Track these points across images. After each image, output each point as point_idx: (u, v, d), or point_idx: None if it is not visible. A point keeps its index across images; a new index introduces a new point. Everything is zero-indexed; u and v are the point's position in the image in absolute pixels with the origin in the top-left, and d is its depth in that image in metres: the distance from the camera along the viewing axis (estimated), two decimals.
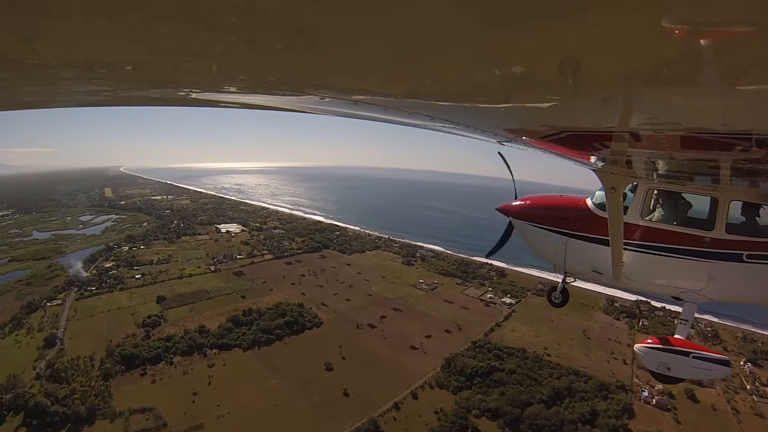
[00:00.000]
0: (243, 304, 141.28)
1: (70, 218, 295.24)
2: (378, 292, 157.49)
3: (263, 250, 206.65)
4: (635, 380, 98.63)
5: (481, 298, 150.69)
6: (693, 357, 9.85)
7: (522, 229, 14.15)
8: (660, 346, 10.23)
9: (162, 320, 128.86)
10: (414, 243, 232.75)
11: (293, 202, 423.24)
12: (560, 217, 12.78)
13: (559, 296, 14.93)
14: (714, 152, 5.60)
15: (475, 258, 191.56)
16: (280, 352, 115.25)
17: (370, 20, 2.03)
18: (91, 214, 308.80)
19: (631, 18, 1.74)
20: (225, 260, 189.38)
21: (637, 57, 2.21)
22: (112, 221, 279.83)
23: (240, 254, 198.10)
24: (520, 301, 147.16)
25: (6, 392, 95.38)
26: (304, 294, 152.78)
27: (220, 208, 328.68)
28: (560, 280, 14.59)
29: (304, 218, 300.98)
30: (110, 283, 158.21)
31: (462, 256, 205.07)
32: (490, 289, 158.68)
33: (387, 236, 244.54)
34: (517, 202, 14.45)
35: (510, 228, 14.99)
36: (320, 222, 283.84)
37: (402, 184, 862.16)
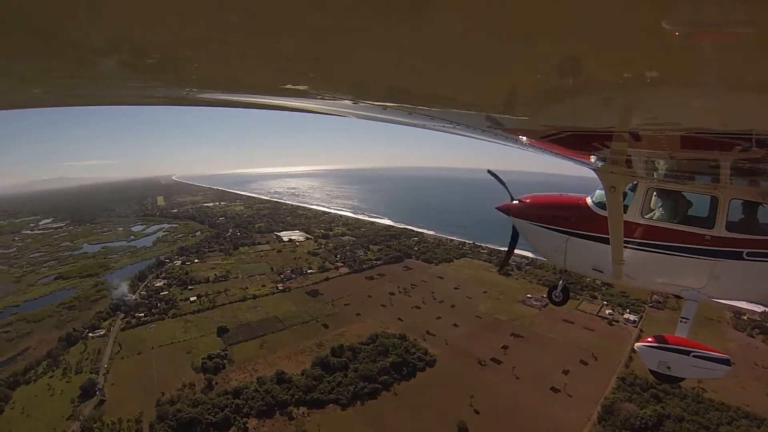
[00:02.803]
0: (327, 336, 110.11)
1: (121, 229, 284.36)
2: (486, 313, 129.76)
3: (336, 261, 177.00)
4: None
5: (600, 315, 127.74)
6: (693, 356, 9.78)
7: (523, 228, 13.96)
8: (660, 344, 10.14)
9: (226, 361, 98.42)
10: (502, 249, 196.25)
11: (353, 206, 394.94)
12: (561, 216, 12.58)
13: (560, 294, 14.87)
14: (714, 152, 5.54)
15: None
16: (392, 408, 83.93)
17: (370, 25, 2.02)
18: (142, 224, 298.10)
19: (631, 18, 1.74)
20: (293, 276, 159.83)
21: (637, 57, 2.21)
22: (164, 231, 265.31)
23: (310, 268, 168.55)
24: (642, 317, 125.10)
25: None
26: (401, 320, 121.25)
27: (278, 214, 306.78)
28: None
29: (372, 223, 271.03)
30: (161, 308, 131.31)
31: None
32: (605, 303, 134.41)
33: (471, 242, 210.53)
34: (518, 202, 14.19)
35: (516, 235, 14.60)
36: (392, 227, 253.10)
37: (456, 182, 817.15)
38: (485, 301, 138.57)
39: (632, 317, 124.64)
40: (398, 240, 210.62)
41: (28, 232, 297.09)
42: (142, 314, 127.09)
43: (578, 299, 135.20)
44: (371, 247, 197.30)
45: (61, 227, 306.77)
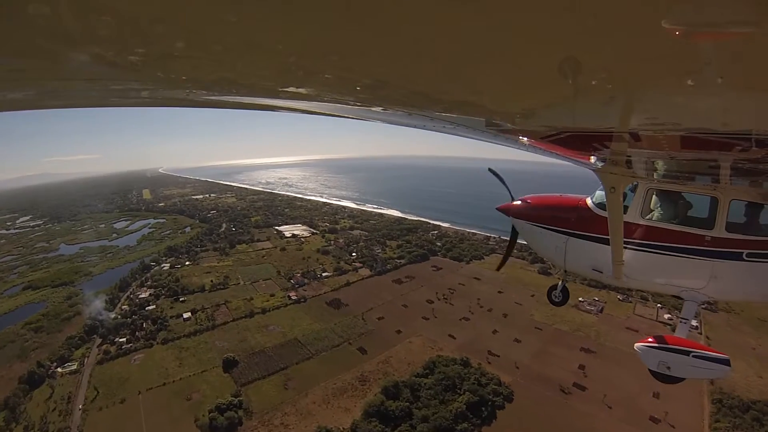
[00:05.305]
0: (369, 365, 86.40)
1: (103, 226, 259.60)
2: (545, 323, 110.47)
3: (354, 261, 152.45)
4: None
5: (659, 320, 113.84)
6: (693, 356, 9.59)
7: (522, 228, 13.75)
8: (660, 345, 9.96)
9: (242, 412, 73.20)
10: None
11: (352, 196, 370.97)
12: (560, 216, 12.46)
13: (560, 295, 14.41)
14: (714, 152, 5.56)
15: None
16: None
17: (370, 27, 2.00)
18: (127, 219, 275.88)
19: (631, 18, 1.75)
20: (306, 280, 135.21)
21: (637, 57, 2.22)
22: (150, 227, 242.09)
23: (325, 270, 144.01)
24: (701, 321, 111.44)
25: None
26: (453, 337, 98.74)
27: (274, 206, 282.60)
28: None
29: (381, 214, 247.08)
30: (148, 331, 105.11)
31: None
32: (659, 306, 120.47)
33: (497, 236, 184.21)
34: (518, 202, 14.02)
35: (515, 234, 14.36)
36: (404, 219, 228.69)
37: (445, 171, 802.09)
38: (537, 307, 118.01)
39: (693, 322, 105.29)
40: (416, 234, 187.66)
41: (4, 231, 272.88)
42: (124, 339, 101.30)
43: (631, 302, 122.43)
44: (388, 242, 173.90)
45: (38, 225, 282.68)
